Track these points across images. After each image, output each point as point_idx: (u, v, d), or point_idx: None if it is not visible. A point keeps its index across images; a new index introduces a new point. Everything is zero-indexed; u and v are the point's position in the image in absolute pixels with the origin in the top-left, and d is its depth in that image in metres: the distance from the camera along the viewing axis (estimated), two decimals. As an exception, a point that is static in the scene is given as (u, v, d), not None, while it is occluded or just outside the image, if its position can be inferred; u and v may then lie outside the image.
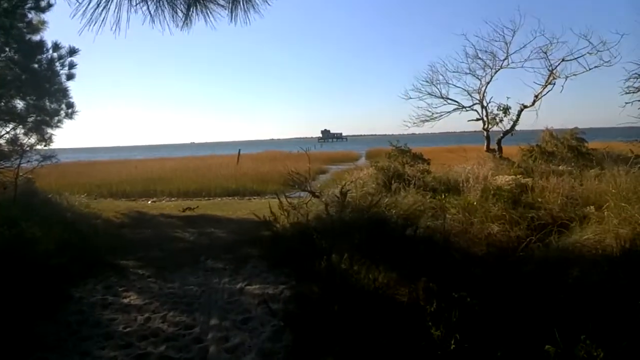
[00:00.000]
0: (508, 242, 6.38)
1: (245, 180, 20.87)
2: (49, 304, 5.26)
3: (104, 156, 59.19)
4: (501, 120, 12.69)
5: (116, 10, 3.23)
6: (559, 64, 11.71)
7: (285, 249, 6.85)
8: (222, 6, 3.78)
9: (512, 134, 12.84)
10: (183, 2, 3.57)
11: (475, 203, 7.42)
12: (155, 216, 11.04)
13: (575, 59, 11.49)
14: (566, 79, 11.74)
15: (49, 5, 9.67)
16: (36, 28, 10.37)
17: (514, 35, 12.31)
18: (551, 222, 7.03)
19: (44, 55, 9.92)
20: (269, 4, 3.88)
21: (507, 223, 6.87)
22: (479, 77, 13.48)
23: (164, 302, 5.38)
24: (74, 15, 3.12)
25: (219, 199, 15.87)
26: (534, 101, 12.17)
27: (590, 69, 11.45)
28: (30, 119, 10.83)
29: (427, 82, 13.89)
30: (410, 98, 14.08)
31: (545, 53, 11.73)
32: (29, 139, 10.51)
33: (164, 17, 3.51)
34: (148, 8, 3.41)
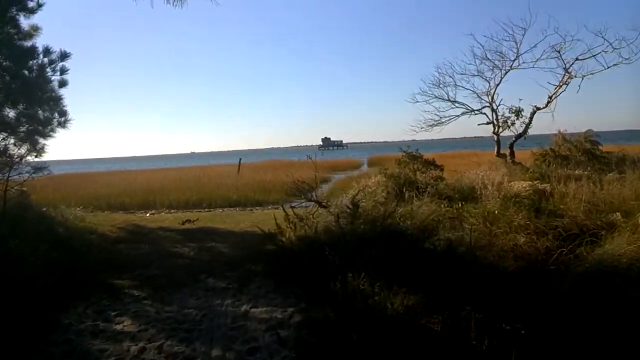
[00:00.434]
0: (536, 255, 5.84)
1: (246, 190, 20.37)
2: (32, 332, 4.74)
3: (102, 167, 58.87)
4: (513, 124, 12.18)
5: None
6: (572, 63, 11.20)
7: (292, 265, 6.32)
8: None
9: (524, 138, 12.32)
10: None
11: (496, 212, 6.89)
12: (153, 230, 10.50)
13: (593, 56, 10.93)
14: (582, 79, 11.21)
15: (39, 6, 9.17)
16: (29, 34, 9.92)
17: (524, 34, 11.81)
18: (577, 231, 6.51)
19: (35, 61, 9.42)
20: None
21: (532, 233, 6.35)
22: (488, 79, 12.97)
23: (160, 329, 4.84)
24: None
25: (220, 210, 15.36)
26: (548, 102, 11.65)
27: (608, 67, 10.92)
28: (21, 129, 10.34)
29: (434, 84, 13.39)
30: (417, 102, 13.58)
31: (559, 52, 11.23)
32: (20, 149, 10.01)
33: None
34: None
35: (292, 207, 8.24)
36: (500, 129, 12.65)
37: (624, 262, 5.35)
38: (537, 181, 9.61)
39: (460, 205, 7.52)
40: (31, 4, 9.11)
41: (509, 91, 13.61)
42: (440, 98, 13.27)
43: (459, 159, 19.36)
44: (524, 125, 12.09)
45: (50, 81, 10.18)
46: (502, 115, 12.30)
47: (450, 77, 13.12)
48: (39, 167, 10.16)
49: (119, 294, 6.04)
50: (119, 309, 5.49)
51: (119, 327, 4.96)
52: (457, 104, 13.45)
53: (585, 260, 5.57)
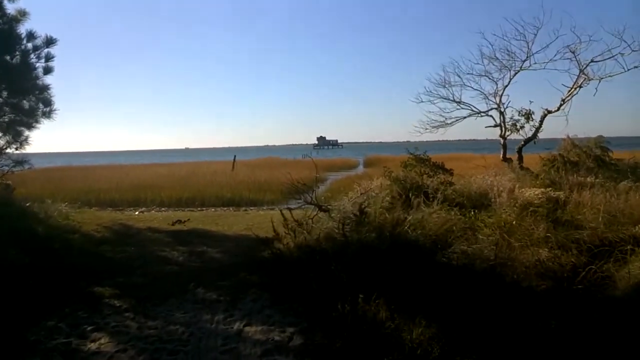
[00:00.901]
0: (561, 272, 5.30)
1: (241, 188, 19.81)
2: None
3: (94, 161, 57.96)
4: (522, 127, 11.62)
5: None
6: (587, 65, 10.66)
7: (291, 276, 5.74)
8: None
9: (535, 142, 11.78)
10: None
11: (514, 222, 6.34)
12: (141, 230, 9.87)
13: (612, 57, 10.37)
14: (600, 81, 10.66)
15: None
16: (15, 18, 9.27)
17: (537, 33, 11.25)
18: (599, 244, 5.98)
19: (17, 47, 8.78)
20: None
21: (554, 247, 5.81)
22: (496, 79, 12.43)
23: (141, 349, 4.23)
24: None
25: (213, 209, 14.73)
26: (560, 105, 11.12)
27: (629, 70, 10.38)
28: (4, 119, 9.71)
29: (439, 84, 12.83)
30: (422, 102, 13.02)
31: (573, 52, 10.68)
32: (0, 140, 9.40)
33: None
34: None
35: (290, 210, 7.63)
36: (509, 132, 12.11)
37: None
38: (550, 188, 9.09)
39: (472, 213, 6.97)
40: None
41: (518, 93, 13.01)
42: (446, 99, 12.73)
43: (462, 162, 18.81)
44: (533, 129, 11.54)
45: (35, 68, 9.55)
46: (511, 118, 11.75)
47: (458, 76, 12.57)
48: (20, 161, 9.55)
49: (98, 305, 5.43)
50: (97, 323, 4.88)
51: (94, 345, 4.35)
52: (462, 105, 12.92)
53: (616, 279, 5.06)
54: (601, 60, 10.52)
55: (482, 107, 12.71)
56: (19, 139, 9.91)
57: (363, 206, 6.42)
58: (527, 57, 11.63)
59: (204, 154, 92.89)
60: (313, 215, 7.75)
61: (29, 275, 5.82)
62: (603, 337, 3.70)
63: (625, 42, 10.13)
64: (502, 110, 12.29)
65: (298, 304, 5.07)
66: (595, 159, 11.79)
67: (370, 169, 37.50)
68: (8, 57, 8.82)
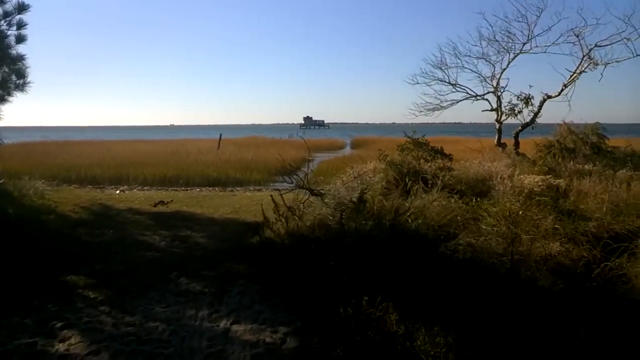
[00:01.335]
0: (574, 267, 4.96)
1: (227, 167, 19.28)
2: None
3: (75, 136, 56.55)
4: (520, 112, 11.24)
5: None
6: (591, 49, 10.25)
7: (282, 267, 5.32)
8: None
9: (533, 127, 11.43)
10: None
11: (520, 212, 5.97)
12: (121, 211, 9.31)
13: (618, 41, 9.97)
14: (606, 66, 10.28)
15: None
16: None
17: (540, 15, 10.80)
18: (607, 237, 5.65)
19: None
20: None
21: (564, 240, 5.47)
22: (493, 62, 12.01)
23: (116, 352, 3.77)
24: None
25: (198, 189, 14.18)
26: (562, 90, 10.74)
27: (637, 55, 9.98)
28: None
29: (435, 66, 12.39)
30: (417, 83, 12.60)
31: (577, 36, 10.26)
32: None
33: None
34: None
35: (280, 194, 7.16)
36: (505, 117, 11.74)
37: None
38: (550, 176, 8.76)
39: (474, 201, 6.59)
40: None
41: (515, 77, 12.58)
42: (442, 80, 12.31)
43: (450, 145, 18.42)
44: (532, 114, 11.17)
45: (6, 36, 8.81)
46: (509, 102, 11.36)
47: (457, 58, 12.11)
48: (-12, 136, 8.89)
49: (70, 296, 4.95)
50: (68, 319, 4.40)
51: (62, 347, 3.87)
52: (458, 88, 12.52)
53: (631, 276, 4.73)
54: (607, 45, 10.11)
55: (479, 90, 12.32)
56: (-12, 113, 9.23)
57: (362, 193, 5.95)
58: (527, 39, 11.21)
59: (190, 132, 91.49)
60: (304, 199, 7.31)
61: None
62: (629, 342, 3.36)
63: (633, 26, 9.71)
64: (499, 94, 11.91)
65: (290, 299, 4.63)
66: (591, 146, 11.53)
67: (358, 150, 37.03)
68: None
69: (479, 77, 12.16)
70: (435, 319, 3.50)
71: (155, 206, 9.86)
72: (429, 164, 8.24)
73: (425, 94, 12.74)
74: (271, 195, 6.85)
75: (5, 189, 9.84)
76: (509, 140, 12.22)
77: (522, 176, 8.70)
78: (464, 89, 12.44)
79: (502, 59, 11.79)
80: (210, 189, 14.43)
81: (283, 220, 6.32)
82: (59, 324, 4.28)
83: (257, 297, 4.88)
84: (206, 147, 27.98)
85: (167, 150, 25.91)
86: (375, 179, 8.36)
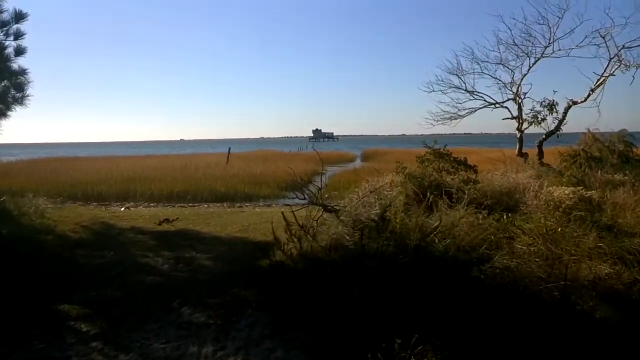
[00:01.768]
0: (627, 292, 4.35)
1: (236, 182, 18.85)
2: None
3: (87, 152, 56.74)
4: (544, 120, 10.63)
5: None
6: (620, 51, 9.66)
7: (296, 294, 4.77)
8: None
9: (558, 136, 10.82)
10: None
11: (559, 230, 5.37)
12: (124, 231, 8.82)
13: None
14: (638, 69, 9.66)
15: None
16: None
17: (563, 15, 10.23)
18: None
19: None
20: None
21: (612, 261, 4.87)
22: (513, 68, 11.45)
23: (105, 402, 3.25)
24: None
25: (206, 205, 13.71)
26: (589, 96, 10.14)
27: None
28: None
29: (451, 72, 11.86)
30: (433, 91, 12.07)
31: (604, 38, 9.68)
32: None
33: None
34: None
35: (292, 211, 6.62)
36: (526, 125, 11.14)
37: None
38: (581, 187, 8.15)
39: (505, 218, 6.00)
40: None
41: (536, 83, 11.96)
42: (458, 88, 11.76)
43: (470, 156, 17.83)
44: (556, 122, 10.56)
45: (5, 47, 8.46)
46: (532, 110, 10.75)
47: (475, 63, 11.57)
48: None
49: (61, 330, 4.43)
50: (55, 359, 3.89)
51: (44, 395, 3.36)
52: (475, 96, 11.96)
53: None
54: (637, 46, 9.49)
55: (498, 98, 11.76)
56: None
57: (384, 211, 5.39)
58: (549, 43, 10.64)
59: (199, 146, 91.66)
60: (318, 216, 6.77)
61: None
62: None
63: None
64: (520, 101, 11.33)
65: (306, 334, 4.07)
66: (619, 155, 10.90)
67: (369, 162, 36.54)
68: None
69: (498, 84, 11.61)
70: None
71: (160, 225, 9.36)
72: (452, 176, 7.67)
73: (441, 102, 12.17)
74: (282, 213, 6.29)
75: (5, 208, 9.44)
76: (529, 151, 11.61)
77: (550, 188, 8.12)
78: (482, 97, 11.88)
79: (522, 64, 11.22)
80: (219, 205, 13.95)
81: (296, 240, 5.78)
82: (43, 366, 3.76)
83: (267, 330, 4.32)
84: (215, 161, 27.64)
85: (175, 165, 25.55)
86: (394, 194, 7.81)
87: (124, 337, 4.29)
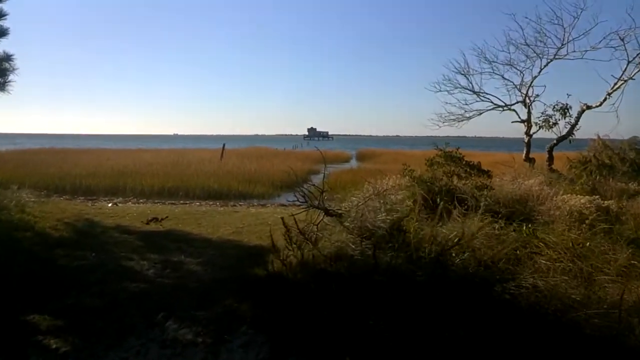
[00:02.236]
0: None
1: (229, 179, 18.30)
2: None
3: (81, 144, 55.73)
4: (555, 124, 10.15)
5: None
6: (638, 54, 9.19)
7: (296, 309, 4.24)
8: None
9: (570, 141, 10.35)
10: None
11: (588, 244, 4.88)
12: (108, 229, 8.22)
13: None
14: (660, 72, 9.20)
15: None
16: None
17: (579, 16, 9.77)
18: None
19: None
20: None
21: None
22: (522, 69, 10.99)
23: None
24: None
25: (198, 203, 13.15)
26: (605, 99, 9.67)
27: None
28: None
29: (458, 71, 11.39)
30: (440, 91, 11.60)
31: (622, 40, 9.21)
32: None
33: None
34: None
35: (293, 215, 6.07)
36: (535, 129, 10.69)
37: None
38: (597, 196, 7.69)
39: (525, 228, 5.48)
40: None
41: (547, 86, 11.39)
42: (465, 88, 11.28)
43: (472, 159, 17.38)
44: (568, 126, 10.10)
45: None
46: (543, 113, 10.27)
47: (484, 62, 11.10)
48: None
49: (26, 347, 3.87)
50: (15, 382, 3.34)
51: None
52: (482, 97, 11.49)
53: None
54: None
55: (506, 100, 11.30)
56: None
57: (399, 220, 4.86)
58: (562, 44, 10.16)
59: (193, 141, 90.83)
60: (318, 220, 6.24)
61: None
62: None
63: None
64: (530, 103, 10.87)
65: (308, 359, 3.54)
66: (632, 163, 10.48)
67: (364, 162, 36.07)
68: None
69: (506, 85, 11.15)
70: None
71: (147, 224, 8.78)
72: (464, 181, 7.15)
73: (447, 102, 11.72)
74: (282, 219, 5.72)
75: (-15, 202, 8.82)
76: (538, 155, 11.17)
77: (564, 196, 7.66)
78: (489, 99, 11.42)
79: (532, 66, 10.76)
80: (211, 203, 13.38)
81: (295, 248, 5.24)
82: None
83: (264, 352, 3.77)
84: (208, 157, 27.08)
85: (168, 160, 24.92)
86: (399, 197, 7.30)
87: (99, 355, 3.75)
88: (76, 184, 17.52)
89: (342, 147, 61.87)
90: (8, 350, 3.76)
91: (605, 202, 7.45)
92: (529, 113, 10.91)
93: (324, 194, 6.56)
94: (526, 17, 10.55)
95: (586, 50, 9.91)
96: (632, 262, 4.65)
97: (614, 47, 9.45)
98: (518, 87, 11.04)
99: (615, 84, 9.48)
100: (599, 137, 11.00)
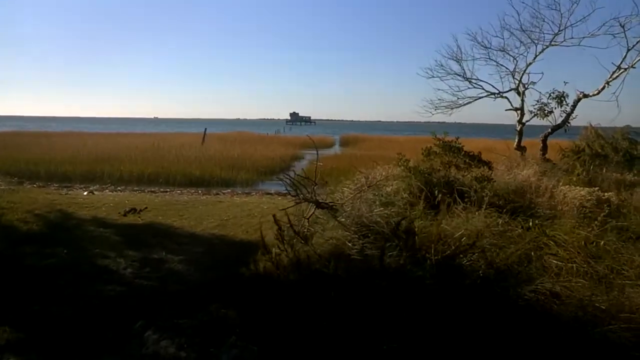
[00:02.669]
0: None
1: (211, 165, 17.74)
2: None
3: (59, 127, 54.19)
4: (550, 112, 9.85)
5: None
6: (638, 42, 8.87)
7: (290, 316, 3.83)
8: None
9: (566, 130, 10.08)
10: None
11: (602, 243, 4.56)
12: (83, 222, 7.67)
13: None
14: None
15: None
16: None
17: (578, 1, 9.41)
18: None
19: None
20: None
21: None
22: (515, 56, 10.64)
23: None
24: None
25: (179, 191, 12.61)
26: (602, 88, 9.37)
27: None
28: None
29: (450, 57, 11.01)
30: (432, 77, 11.21)
31: (623, 27, 8.87)
32: None
33: None
34: None
35: (284, 209, 5.63)
36: (531, 117, 10.38)
37: None
38: (597, 188, 7.43)
39: (531, 223, 5.13)
40: None
41: (542, 73, 11.05)
42: (458, 74, 10.91)
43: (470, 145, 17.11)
44: (564, 115, 9.80)
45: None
46: (538, 101, 9.95)
47: (479, 46, 10.72)
48: None
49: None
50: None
51: None
52: (474, 84, 11.14)
53: None
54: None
55: (500, 87, 10.98)
56: None
57: (410, 220, 4.46)
58: (559, 29, 9.81)
59: (173, 125, 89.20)
60: (309, 214, 5.84)
61: None
62: None
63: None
64: (523, 91, 10.54)
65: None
66: (624, 152, 10.27)
67: (348, 148, 35.60)
68: None
69: (499, 71, 10.81)
70: None
71: (125, 215, 8.24)
72: (463, 172, 6.78)
73: (439, 89, 11.35)
74: (274, 216, 5.22)
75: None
76: (531, 143, 10.90)
77: (563, 188, 7.39)
78: (481, 86, 11.07)
79: (527, 52, 10.41)
80: (193, 191, 12.84)
81: (287, 246, 4.82)
82: None
83: (256, 369, 3.37)
84: (189, 141, 26.35)
85: (147, 145, 24.11)
86: (393, 187, 6.92)
87: (65, 377, 3.29)
88: (51, 170, 16.78)
89: (325, 132, 61.25)
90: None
91: (605, 194, 7.21)
92: (522, 101, 10.59)
93: (314, 186, 6.15)
94: (522, 2, 10.14)
95: (584, 37, 9.57)
96: (648, 261, 4.36)
97: (613, 35, 9.11)
98: (512, 73, 10.69)
99: (614, 72, 9.18)
100: (591, 125, 10.75)
